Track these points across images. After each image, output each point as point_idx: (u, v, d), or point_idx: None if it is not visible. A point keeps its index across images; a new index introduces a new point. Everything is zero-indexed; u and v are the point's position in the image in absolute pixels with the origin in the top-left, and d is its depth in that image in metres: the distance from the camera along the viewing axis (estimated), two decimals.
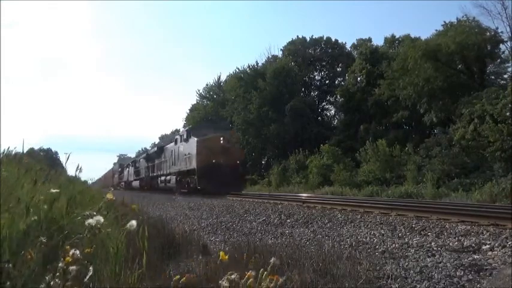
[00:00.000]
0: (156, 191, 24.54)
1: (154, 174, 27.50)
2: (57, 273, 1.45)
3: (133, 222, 1.97)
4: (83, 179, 8.04)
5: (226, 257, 1.65)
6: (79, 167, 3.83)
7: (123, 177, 44.67)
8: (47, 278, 1.44)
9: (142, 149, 57.21)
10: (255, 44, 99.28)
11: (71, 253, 1.50)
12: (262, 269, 1.43)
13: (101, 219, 1.80)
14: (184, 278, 1.57)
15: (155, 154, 28.02)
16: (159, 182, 25.28)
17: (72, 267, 1.46)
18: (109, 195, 2.31)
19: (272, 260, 1.51)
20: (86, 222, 1.78)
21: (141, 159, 34.71)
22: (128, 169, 41.64)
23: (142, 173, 32.69)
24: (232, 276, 1.40)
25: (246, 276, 1.40)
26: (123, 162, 50.49)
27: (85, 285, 1.48)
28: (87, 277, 1.48)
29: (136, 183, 35.10)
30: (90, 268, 1.50)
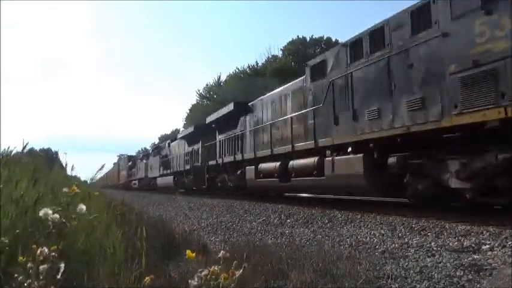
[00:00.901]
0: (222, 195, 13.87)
1: (231, 158, 13.63)
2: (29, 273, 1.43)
3: (83, 206, 2.01)
4: (82, 178, 8.04)
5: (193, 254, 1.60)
6: (68, 165, 3.92)
7: (135, 174, 34.66)
8: (19, 278, 1.42)
9: (142, 149, 55.59)
10: (255, 44, 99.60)
11: (38, 251, 1.48)
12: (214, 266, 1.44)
13: (49, 211, 1.79)
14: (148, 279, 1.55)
15: (223, 122, 14.44)
16: (258, 174, 11.31)
17: (43, 266, 1.44)
18: (73, 188, 2.30)
19: (221, 253, 1.51)
20: (49, 218, 1.77)
21: (173, 143, 23.24)
22: (145, 161, 30.51)
23: (178, 164, 20.78)
24: (203, 273, 1.39)
25: (211, 272, 1.39)
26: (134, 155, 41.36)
27: (60, 283, 1.46)
28: (60, 274, 1.47)
29: (165, 181, 23.20)
30: (62, 265, 1.48)
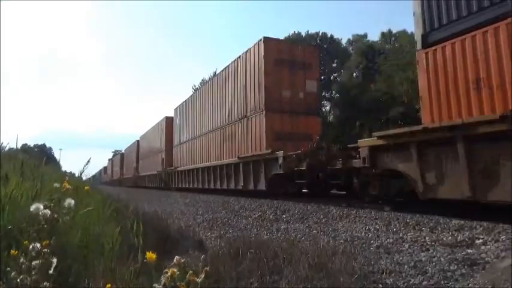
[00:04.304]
0: None
1: None
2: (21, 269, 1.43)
3: (71, 201, 1.99)
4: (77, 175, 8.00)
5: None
6: (63, 161, 3.88)
7: None
8: (12, 274, 1.42)
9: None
10: (250, 40, 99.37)
11: (30, 247, 1.47)
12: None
13: (41, 206, 1.79)
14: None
15: None
16: None
17: (36, 262, 1.44)
18: (65, 184, 2.29)
19: (175, 259, 1.51)
20: (40, 213, 1.76)
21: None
22: None
23: None
24: (168, 274, 1.40)
25: (170, 273, 1.40)
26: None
27: (52, 278, 1.46)
28: (52, 269, 1.47)
29: None
30: (54, 260, 1.48)
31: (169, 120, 23.75)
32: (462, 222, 4.92)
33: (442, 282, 2.81)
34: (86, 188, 3.37)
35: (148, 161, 27.10)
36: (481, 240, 3.93)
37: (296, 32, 38.13)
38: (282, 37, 38.69)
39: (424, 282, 2.84)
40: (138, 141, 32.43)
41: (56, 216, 1.85)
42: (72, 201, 2.01)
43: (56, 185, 2.36)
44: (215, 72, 43.89)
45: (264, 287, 2.72)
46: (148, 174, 26.55)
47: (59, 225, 1.88)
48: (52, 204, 1.95)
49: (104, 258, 2.03)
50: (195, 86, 45.72)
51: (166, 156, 22.72)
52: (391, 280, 2.94)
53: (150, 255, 1.54)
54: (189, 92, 48.74)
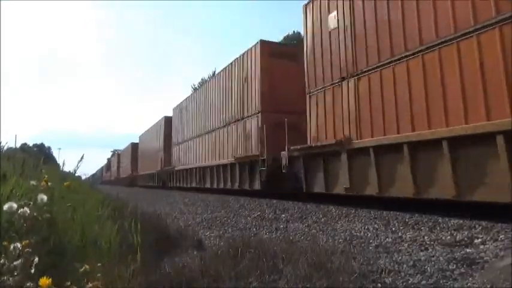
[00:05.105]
0: None
1: None
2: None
3: (43, 196, 1.96)
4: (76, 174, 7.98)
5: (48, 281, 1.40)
6: (61, 161, 3.91)
7: None
8: None
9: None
10: (251, 39, 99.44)
11: (11, 247, 1.47)
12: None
13: (14, 204, 1.76)
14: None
15: None
16: None
17: (17, 262, 1.43)
18: (45, 180, 2.26)
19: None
20: (20, 212, 1.75)
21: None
22: None
23: None
24: None
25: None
26: None
27: (34, 277, 1.46)
28: (33, 269, 1.46)
29: None
30: (36, 259, 1.47)
31: (266, 48, 11.44)
32: (461, 221, 4.92)
33: (441, 282, 2.81)
34: (65, 184, 3.32)
35: (200, 144, 16.50)
36: (480, 240, 3.93)
37: (295, 32, 38.13)
38: (281, 37, 38.63)
39: (423, 282, 2.84)
40: (166, 118, 21.43)
41: (35, 214, 1.82)
42: (45, 197, 1.97)
43: (33, 182, 2.32)
44: (214, 72, 43.84)
45: (263, 286, 2.72)
46: (204, 166, 15.81)
47: (40, 223, 1.85)
48: (31, 202, 1.91)
49: (102, 258, 2.03)
50: (194, 85, 45.65)
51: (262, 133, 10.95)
52: (390, 279, 2.94)
53: (44, 281, 1.33)
54: (189, 91, 48.14)
